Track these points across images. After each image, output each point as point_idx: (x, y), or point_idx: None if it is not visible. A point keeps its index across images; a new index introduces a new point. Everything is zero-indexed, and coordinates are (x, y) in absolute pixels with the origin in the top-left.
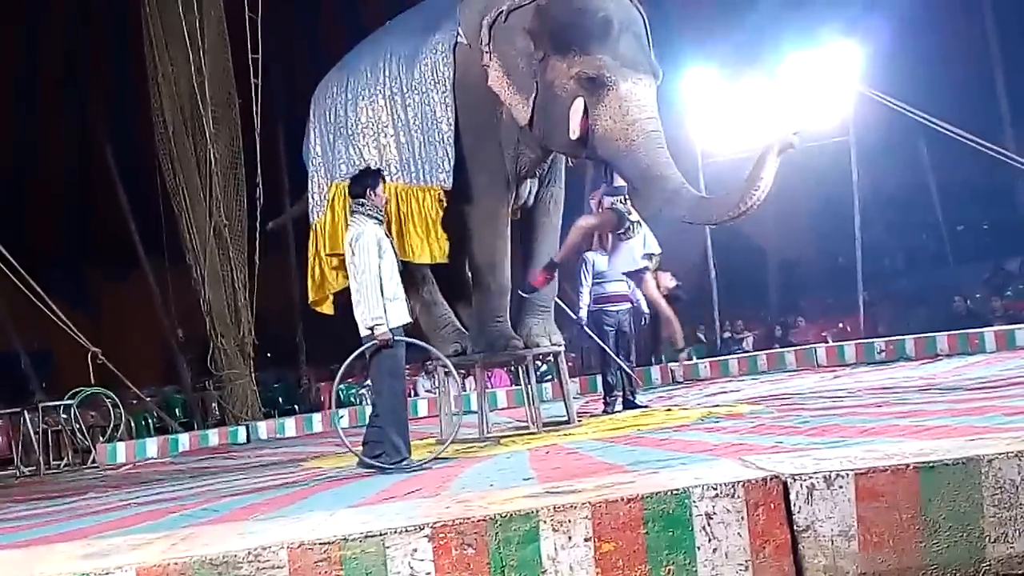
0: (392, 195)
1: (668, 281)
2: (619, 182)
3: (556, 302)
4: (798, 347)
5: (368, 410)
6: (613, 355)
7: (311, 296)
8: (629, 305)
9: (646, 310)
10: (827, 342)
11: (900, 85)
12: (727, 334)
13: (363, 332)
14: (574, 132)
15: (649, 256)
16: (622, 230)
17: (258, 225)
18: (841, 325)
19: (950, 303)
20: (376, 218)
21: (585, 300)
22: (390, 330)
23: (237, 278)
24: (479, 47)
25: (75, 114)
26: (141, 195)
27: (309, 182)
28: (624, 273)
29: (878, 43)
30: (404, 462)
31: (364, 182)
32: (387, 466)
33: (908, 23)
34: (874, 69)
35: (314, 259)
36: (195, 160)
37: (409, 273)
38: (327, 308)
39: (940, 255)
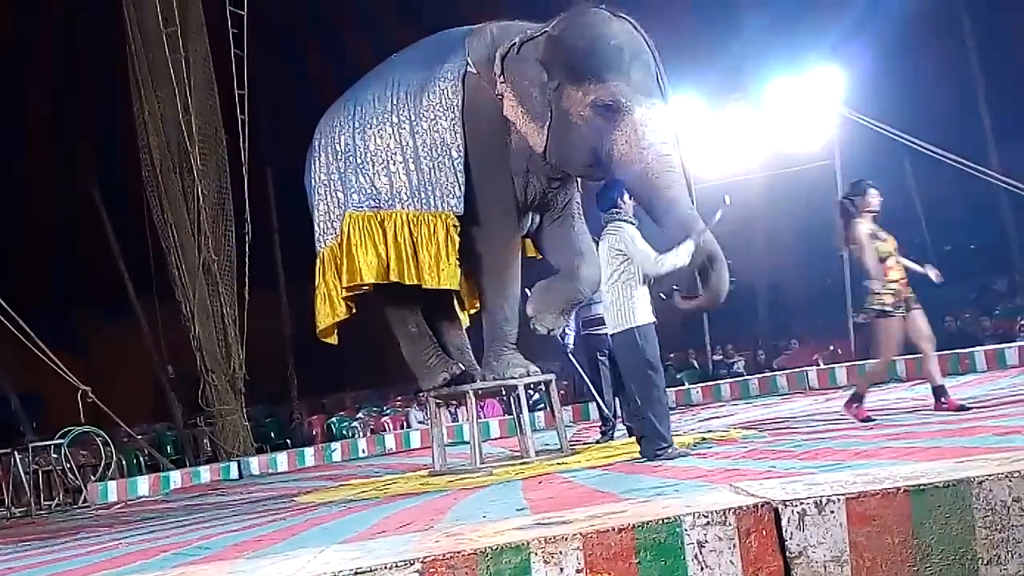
0: (403, 222)
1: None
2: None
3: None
4: (789, 370)
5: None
6: (592, 388)
7: (320, 325)
8: None
9: None
10: (818, 365)
11: (884, 108)
12: (718, 357)
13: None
14: (590, 157)
15: None
16: None
17: (247, 260)
18: (832, 347)
19: (940, 323)
20: (633, 223)
21: (571, 325)
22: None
23: (227, 314)
24: (492, 77)
25: (62, 154)
26: (129, 233)
27: (314, 210)
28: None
29: (861, 67)
30: (670, 449)
31: (610, 195)
32: (671, 456)
33: (890, 47)
34: (857, 93)
35: (321, 287)
36: (183, 197)
37: (396, 306)
38: (333, 339)
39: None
